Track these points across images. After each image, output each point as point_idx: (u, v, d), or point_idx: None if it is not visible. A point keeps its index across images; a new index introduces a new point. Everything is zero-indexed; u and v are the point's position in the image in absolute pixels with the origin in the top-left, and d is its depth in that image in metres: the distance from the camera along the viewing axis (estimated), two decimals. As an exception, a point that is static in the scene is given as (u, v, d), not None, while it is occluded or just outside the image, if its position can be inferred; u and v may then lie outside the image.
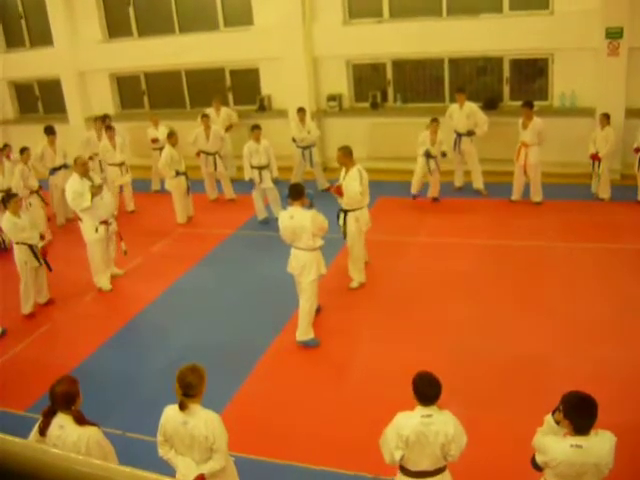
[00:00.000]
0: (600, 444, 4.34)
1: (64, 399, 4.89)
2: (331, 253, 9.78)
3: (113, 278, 10.63)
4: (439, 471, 4.79)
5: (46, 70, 17.34)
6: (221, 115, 15.07)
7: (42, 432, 4.90)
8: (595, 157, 12.19)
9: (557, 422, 4.57)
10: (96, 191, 9.97)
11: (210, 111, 14.84)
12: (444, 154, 12.63)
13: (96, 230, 10.07)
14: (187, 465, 4.86)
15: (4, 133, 18.02)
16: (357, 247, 9.70)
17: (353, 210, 9.49)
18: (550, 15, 13.12)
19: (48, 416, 4.93)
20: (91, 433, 4.84)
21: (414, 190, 13.00)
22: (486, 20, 13.57)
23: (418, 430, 4.66)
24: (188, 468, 4.84)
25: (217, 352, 8.14)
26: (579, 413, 4.35)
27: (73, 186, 9.99)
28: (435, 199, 13.05)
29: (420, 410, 4.77)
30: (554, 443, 4.42)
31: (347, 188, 9.37)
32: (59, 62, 17.01)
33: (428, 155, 12.61)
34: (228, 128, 14.98)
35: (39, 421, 4.98)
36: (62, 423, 4.87)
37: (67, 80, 17.41)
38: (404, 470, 4.86)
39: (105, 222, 10.19)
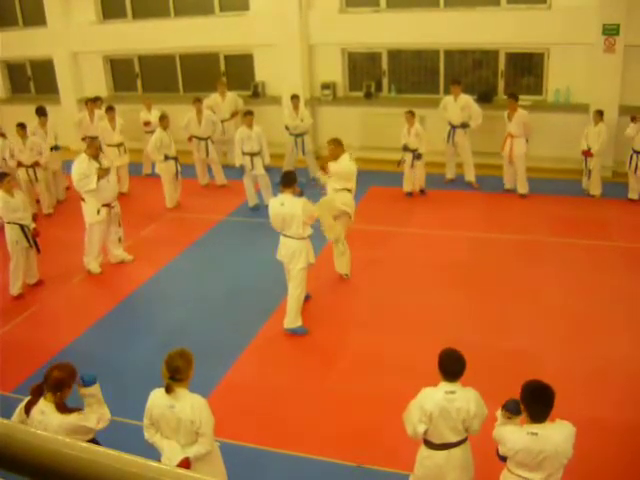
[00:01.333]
0: (556, 432, 4.45)
1: (55, 384, 4.91)
2: (321, 242, 9.76)
3: (121, 263, 10.61)
4: (460, 442, 4.97)
5: (39, 50, 17.20)
6: (226, 100, 14.87)
7: (27, 410, 4.93)
8: (587, 153, 12.21)
9: (509, 417, 4.70)
10: (103, 174, 9.91)
11: (214, 96, 14.76)
12: (419, 156, 12.58)
13: (98, 212, 10.01)
14: (172, 448, 4.86)
15: (-4, 112, 17.93)
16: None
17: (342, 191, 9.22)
18: (547, 10, 13.12)
19: (36, 394, 4.97)
20: (71, 420, 4.87)
21: (406, 188, 13.01)
22: (483, 13, 13.55)
23: (441, 405, 4.82)
24: (173, 451, 4.85)
25: (204, 337, 8.13)
26: (534, 400, 4.47)
27: (80, 167, 9.89)
28: (409, 194, 12.98)
29: (444, 386, 4.91)
30: (511, 433, 4.55)
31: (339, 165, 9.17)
32: (52, 42, 16.88)
33: (405, 148, 12.64)
34: (233, 115, 14.86)
35: (26, 400, 5.00)
36: (44, 409, 4.89)
37: (60, 61, 17.28)
38: (427, 443, 5.04)
39: (108, 205, 10.14)
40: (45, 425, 4.80)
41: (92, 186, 9.84)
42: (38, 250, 9.80)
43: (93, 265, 10.31)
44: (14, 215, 9.42)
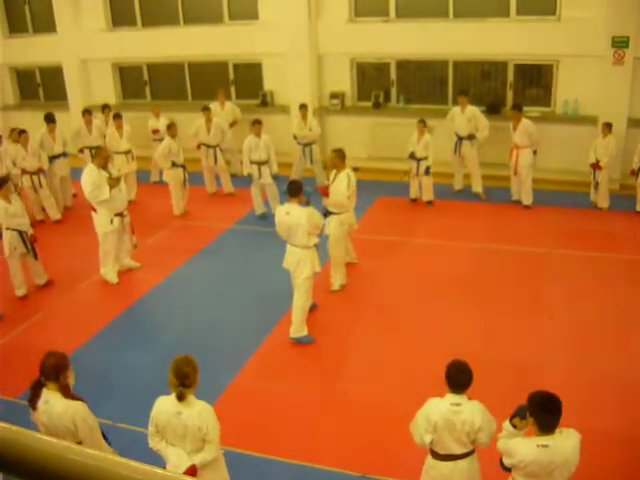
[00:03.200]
0: (565, 442, 4.43)
1: (53, 370, 5.03)
2: (326, 251, 9.74)
3: (128, 271, 10.61)
4: (467, 455, 4.95)
5: (48, 57, 17.27)
6: (225, 109, 14.97)
7: (33, 406, 5.05)
8: (595, 166, 12.19)
9: (514, 426, 4.68)
10: (114, 183, 9.86)
11: (214, 105, 14.79)
12: (427, 171, 12.61)
13: (111, 222, 9.98)
14: (179, 456, 4.85)
15: (4, 119, 18.00)
16: (337, 250, 9.61)
17: (337, 214, 9.45)
18: (557, 21, 13.10)
19: (36, 388, 5.09)
20: (76, 407, 4.98)
21: (412, 195, 13.07)
22: (492, 24, 13.54)
23: (446, 417, 4.82)
24: (180, 458, 4.83)
25: (210, 346, 8.11)
26: (543, 411, 4.44)
27: (91, 177, 9.80)
28: (429, 202, 13.01)
29: (450, 397, 4.90)
30: (521, 445, 4.51)
31: (334, 191, 9.36)
32: (61, 49, 16.95)
33: (412, 156, 12.67)
34: (232, 124, 14.89)
35: (28, 397, 5.14)
36: (47, 398, 5.01)
37: (69, 68, 17.34)
38: (433, 453, 5.04)
39: (120, 214, 10.13)
40: (49, 413, 4.95)
41: (105, 196, 9.79)
42: (35, 256, 9.85)
43: (111, 275, 10.25)
44: (13, 221, 9.49)
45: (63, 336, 8.75)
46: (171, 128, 12.88)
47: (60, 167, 13.36)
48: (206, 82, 16.45)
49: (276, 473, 6.16)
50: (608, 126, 12.05)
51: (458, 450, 4.91)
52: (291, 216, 8.06)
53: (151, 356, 8.02)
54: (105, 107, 14.83)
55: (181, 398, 4.79)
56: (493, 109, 13.83)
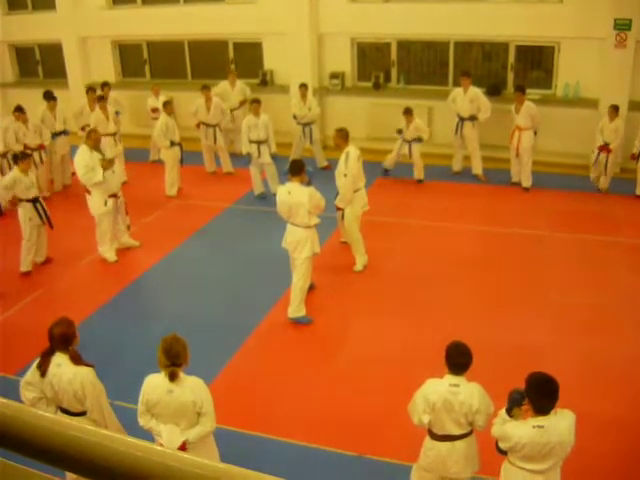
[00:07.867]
0: (560, 422, 4.46)
1: (61, 340, 5.15)
2: (326, 232, 9.75)
3: (127, 249, 10.61)
4: (464, 436, 4.99)
5: (47, 34, 17.17)
6: (235, 89, 14.87)
7: (43, 373, 5.15)
8: (604, 149, 12.08)
9: (511, 417, 4.68)
10: (107, 165, 9.82)
11: (224, 84, 14.72)
12: (420, 139, 12.77)
13: (105, 203, 9.97)
14: (171, 432, 4.88)
15: (3, 96, 17.91)
16: (353, 230, 9.61)
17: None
18: (559, 3, 13.00)
19: (47, 356, 5.19)
20: (85, 373, 5.12)
21: (386, 165, 13.36)
22: (494, 4, 13.44)
23: (444, 397, 4.85)
24: (172, 435, 4.86)
25: (208, 325, 8.15)
26: (539, 393, 4.47)
27: (84, 160, 9.76)
28: (419, 181, 13.09)
29: (449, 379, 4.93)
30: (516, 428, 4.54)
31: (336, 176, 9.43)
32: (61, 27, 16.85)
33: (399, 132, 12.81)
34: (242, 103, 14.81)
35: (37, 360, 5.22)
36: (60, 362, 5.13)
37: (68, 45, 17.24)
38: (431, 434, 5.08)
39: (114, 195, 10.10)
40: (60, 376, 5.07)
41: (98, 178, 9.74)
42: (51, 225, 9.96)
43: (109, 254, 10.26)
44: (28, 193, 9.57)
45: (62, 313, 8.57)
46: (167, 106, 12.82)
47: (60, 145, 13.32)
48: (206, 61, 16.40)
49: (273, 452, 6.18)
50: (615, 109, 11.92)
51: (455, 431, 4.95)
52: (292, 195, 8.05)
53: (148, 334, 8.01)
54: (104, 85, 14.74)
55: (173, 378, 4.81)
56: (494, 90, 13.77)
